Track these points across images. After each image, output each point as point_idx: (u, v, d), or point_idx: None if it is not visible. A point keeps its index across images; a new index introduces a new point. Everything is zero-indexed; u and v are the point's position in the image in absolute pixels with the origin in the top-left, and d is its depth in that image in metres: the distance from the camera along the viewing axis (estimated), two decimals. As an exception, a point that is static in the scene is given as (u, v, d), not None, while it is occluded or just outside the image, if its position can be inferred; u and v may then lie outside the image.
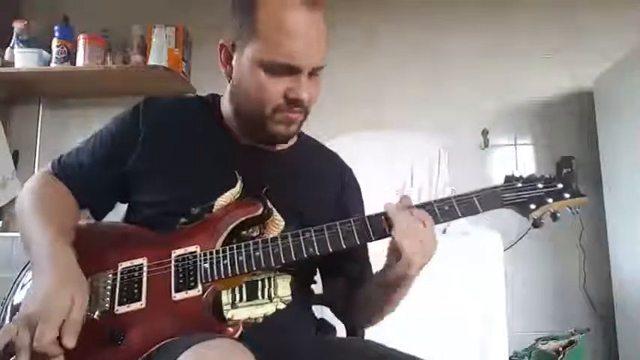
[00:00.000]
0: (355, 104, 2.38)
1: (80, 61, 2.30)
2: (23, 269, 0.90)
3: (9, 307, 0.86)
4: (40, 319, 0.68)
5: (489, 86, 2.38)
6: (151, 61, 2.26)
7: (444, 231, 1.71)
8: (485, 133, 2.33)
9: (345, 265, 0.97)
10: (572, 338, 1.93)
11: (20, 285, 0.88)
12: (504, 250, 1.70)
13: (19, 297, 0.85)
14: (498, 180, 0.87)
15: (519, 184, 0.85)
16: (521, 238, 2.24)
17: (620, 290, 2.08)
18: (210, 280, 0.80)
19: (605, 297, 2.18)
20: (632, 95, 1.95)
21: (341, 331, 1.03)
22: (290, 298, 0.88)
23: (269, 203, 0.89)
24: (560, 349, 1.88)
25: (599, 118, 2.20)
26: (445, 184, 1.89)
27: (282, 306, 0.87)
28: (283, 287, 0.87)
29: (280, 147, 0.97)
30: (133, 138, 0.92)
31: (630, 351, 2.01)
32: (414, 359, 0.79)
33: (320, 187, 0.98)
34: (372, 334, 0.99)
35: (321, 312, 1.03)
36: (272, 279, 0.87)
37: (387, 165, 1.77)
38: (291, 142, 1.00)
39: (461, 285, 1.58)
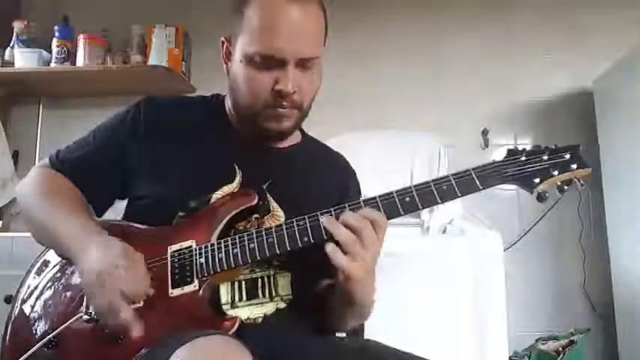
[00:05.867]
0: (355, 104, 2.38)
1: (80, 61, 2.29)
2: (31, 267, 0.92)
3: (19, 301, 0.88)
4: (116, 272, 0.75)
5: (489, 86, 2.38)
6: (151, 61, 2.26)
7: (444, 231, 1.71)
8: (485, 133, 2.33)
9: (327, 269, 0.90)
10: (572, 338, 1.93)
11: (29, 284, 0.90)
12: (504, 250, 1.70)
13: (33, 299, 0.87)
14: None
15: (523, 157, 0.81)
16: (521, 238, 2.25)
17: (620, 290, 2.07)
18: (206, 274, 0.80)
19: (605, 297, 2.18)
20: (631, 95, 1.95)
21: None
22: (291, 296, 0.87)
23: (268, 195, 0.88)
24: (560, 349, 1.88)
25: (599, 118, 2.20)
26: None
27: (282, 305, 0.86)
28: (283, 285, 0.87)
29: (283, 144, 0.97)
30: (133, 135, 0.93)
31: (630, 351, 2.00)
32: (414, 358, 0.79)
33: (322, 187, 0.96)
34: (372, 333, 0.98)
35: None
36: (272, 277, 0.86)
37: (387, 164, 1.77)
38: (296, 140, 1.00)
39: (460, 285, 1.59)
